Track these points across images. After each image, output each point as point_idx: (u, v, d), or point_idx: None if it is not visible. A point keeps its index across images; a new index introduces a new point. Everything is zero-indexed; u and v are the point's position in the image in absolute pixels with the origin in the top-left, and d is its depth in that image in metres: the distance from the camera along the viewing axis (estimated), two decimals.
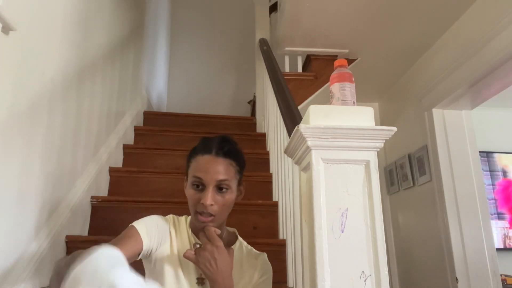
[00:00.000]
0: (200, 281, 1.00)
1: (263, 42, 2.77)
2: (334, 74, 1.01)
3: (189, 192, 1.00)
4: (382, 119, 3.54)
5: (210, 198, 0.95)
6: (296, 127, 0.91)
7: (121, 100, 2.51)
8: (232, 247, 1.04)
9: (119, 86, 2.45)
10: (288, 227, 1.68)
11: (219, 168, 0.98)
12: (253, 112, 3.77)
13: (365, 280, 0.83)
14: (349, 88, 0.98)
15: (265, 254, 1.14)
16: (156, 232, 1.00)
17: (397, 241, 3.26)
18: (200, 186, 0.98)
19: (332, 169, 0.90)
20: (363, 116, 0.92)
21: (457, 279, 2.40)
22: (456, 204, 2.53)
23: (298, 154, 1.00)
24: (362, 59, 2.91)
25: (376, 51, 2.82)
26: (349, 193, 0.89)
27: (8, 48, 1.14)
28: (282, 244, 1.74)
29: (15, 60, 1.19)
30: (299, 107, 1.66)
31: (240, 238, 1.15)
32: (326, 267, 0.83)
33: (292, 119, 1.39)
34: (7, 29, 1.11)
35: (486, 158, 3.59)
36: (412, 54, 2.87)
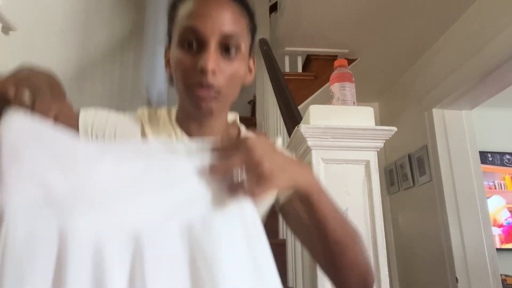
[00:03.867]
0: None
1: (263, 42, 2.76)
2: (334, 74, 1.01)
3: (176, 56, 0.62)
4: (382, 119, 3.54)
5: (211, 59, 0.59)
6: (296, 127, 0.91)
7: (121, 100, 2.51)
8: None
9: (119, 86, 2.45)
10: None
11: (224, 15, 0.61)
12: (253, 112, 3.77)
13: None
14: (349, 88, 0.98)
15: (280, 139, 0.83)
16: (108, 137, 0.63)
17: (397, 241, 3.26)
18: (194, 44, 0.61)
19: (332, 169, 0.90)
20: (363, 116, 0.93)
21: (457, 279, 2.40)
22: (456, 204, 2.53)
23: (298, 154, 1.00)
24: (362, 59, 2.91)
25: (376, 51, 2.82)
26: (349, 193, 0.89)
27: (8, 48, 1.14)
28: (282, 244, 1.74)
29: (15, 60, 1.19)
30: (299, 107, 1.66)
31: (243, 127, 0.77)
32: None
33: (292, 119, 1.39)
34: (7, 29, 1.11)
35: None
36: (412, 54, 2.87)
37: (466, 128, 2.69)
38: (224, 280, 0.39)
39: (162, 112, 0.71)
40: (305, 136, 0.89)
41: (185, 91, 0.62)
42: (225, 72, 0.61)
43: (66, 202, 0.38)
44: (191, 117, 0.67)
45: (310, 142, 0.90)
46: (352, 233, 0.58)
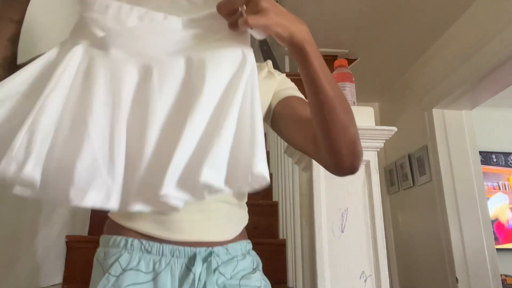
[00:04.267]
0: None
1: (263, 42, 2.76)
2: (334, 74, 1.01)
3: None
4: (382, 119, 3.54)
5: None
6: None
7: None
8: None
9: None
10: (288, 227, 1.68)
11: None
12: None
13: (365, 280, 0.83)
14: (349, 88, 0.98)
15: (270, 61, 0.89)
16: None
17: (397, 241, 3.26)
18: None
19: None
20: (363, 116, 0.93)
21: (457, 279, 2.40)
22: (456, 204, 2.53)
23: (298, 154, 1.00)
24: (362, 59, 2.91)
25: (376, 51, 2.82)
26: (349, 193, 0.89)
27: None
28: (282, 244, 1.74)
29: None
30: None
31: None
32: (326, 267, 0.83)
33: None
34: None
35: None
36: (412, 54, 2.87)
37: (466, 128, 2.69)
38: (199, 100, 0.52)
39: None
40: None
41: None
42: None
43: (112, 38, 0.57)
44: None
45: None
46: (341, 95, 0.62)
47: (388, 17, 2.45)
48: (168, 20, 0.57)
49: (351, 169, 0.65)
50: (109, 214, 0.73)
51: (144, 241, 0.67)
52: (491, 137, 3.57)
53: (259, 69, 0.82)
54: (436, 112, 2.71)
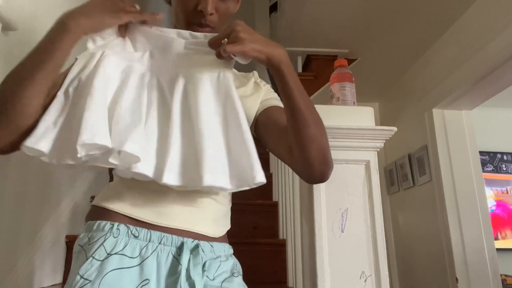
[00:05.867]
0: None
1: None
2: (334, 74, 1.01)
3: None
4: (382, 119, 3.54)
5: (210, 3, 0.73)
6: None
7: None
8: None
9: None
10: (288, 227, 1.68)
11: None
12: None
13: (365, 280, 0.83)
14: (349, 88, 0.98)
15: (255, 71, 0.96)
16: None
17: (397, 241, 3.26)
18: None
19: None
20: (363, 116, 0.93)
21: (457, 279, 2.40)
22: (456, 204, 2.53)
23: None
24: (362, 59, 2.91)
25: (376, 51, 2.82)
26: (349, 193, 0.89)
27: (8, 48, 1.14)
28: (282, 244, 1.74)
29: (15, 61, 1.19)
30: None
31: None
32: (326, 267, 0.83)
33: None
34: (7, 29, 1.11)
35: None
36: (412, 54, 2.87)
37: (466, 128, 2.69)
38: (195, 104, 0.66)
39: None
40: None
41: (185, 25, 0.77)
42: (220, 11, 0.76)
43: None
44: None
45: None
46: (313, 109, 0.69)
47: (388, 17, 2.45)
48: (176, 41, 0.72)
49: (321, 177, 0.72)
50: (93, 203, 0.75)
51: (131, 226, 0.68)
52: (491, 137, 3.57)
53: (246, 79, 0.90)
54: (436, 112, 2.71)
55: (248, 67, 0.80)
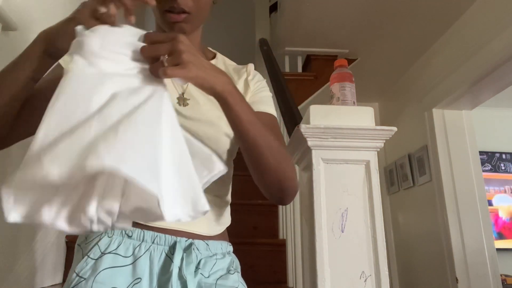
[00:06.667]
0: (181, 100, 0.75)
1: (263, 42, 2.77)
2: (334, 74, 1.01)
3: None
4: (382, 119, 3.54)
5: None
6: (296, 127, 0.91)
7: None
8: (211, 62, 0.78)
9: None
10: (288, 227, 1.68)
11: None
12: None
13: (365, 280, 0.83)
14: (349, 88, 0.98)
15: (252, 64, 0.90)
16: None
17: (397, 241, 3.26)
18: None
19: (332, 169, 0.90)
20: (363, 116, 0.93)
21: (457, 279, 2.40)
22: (456, 204, 2.53)
23: (298, 154, 1.00)
24: (362, 59, 2.91)
25: (376, 51, 2.82)
26: (349, 193, 0.89)
27: (8, 48, 1.14)
28: (282, 244, 1.74)
29: None
30: (299, 107, 1.66)
31: (220, 54, 0.89)
32: (326, 267, 0.83)
33: (292, 119, 1.39)
34: (7, 29, 1.11)
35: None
36: (412, 54, 2.87)
37: (466, 128, 2.69)
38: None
39: None
40: (305, 136, 0.89)
41: (160, 16, 0.71)
42: None
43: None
44: (166, 30, 0.74)
45: (310, 142, 0.90)
46: (267, 137, 0.65)
47: (388, 17, 2.45)
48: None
49: (279, 203, 0.70)
50: None
51: None
52: (489, 137, 3.57)
53: (237, 76, 0.83)
54: (436, 112, 2.71)
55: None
